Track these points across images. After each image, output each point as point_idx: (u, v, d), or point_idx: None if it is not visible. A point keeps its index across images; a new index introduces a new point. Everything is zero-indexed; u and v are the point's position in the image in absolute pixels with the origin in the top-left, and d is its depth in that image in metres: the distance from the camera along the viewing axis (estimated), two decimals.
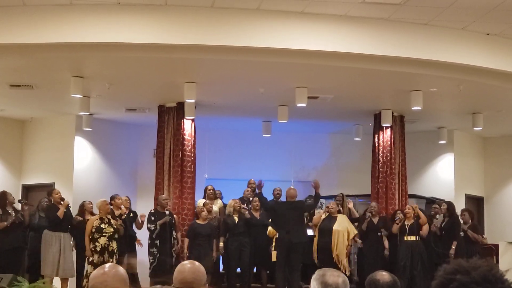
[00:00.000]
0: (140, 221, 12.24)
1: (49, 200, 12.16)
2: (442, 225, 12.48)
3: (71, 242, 11.83)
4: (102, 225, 11.07)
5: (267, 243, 12.35)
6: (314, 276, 3.44)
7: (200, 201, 12.75)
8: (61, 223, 11.64)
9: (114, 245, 11.07)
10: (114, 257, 11.00)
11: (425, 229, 12.07)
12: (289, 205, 11.58)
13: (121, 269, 3.25)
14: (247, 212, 12.23)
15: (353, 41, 9.86)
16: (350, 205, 12.94)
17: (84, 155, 14.30)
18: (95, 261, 10.74)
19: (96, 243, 10.96)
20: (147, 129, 14.13)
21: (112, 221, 11.19)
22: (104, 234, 11.00)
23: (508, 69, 10.70)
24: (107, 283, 3.12)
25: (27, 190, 14.88)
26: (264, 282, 12.57)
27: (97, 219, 11.15)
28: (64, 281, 11.71)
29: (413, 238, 11.95)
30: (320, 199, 14.58)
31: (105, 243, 10.98)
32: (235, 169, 15.22)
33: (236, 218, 12.19)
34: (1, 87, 11.63)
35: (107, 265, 3.29)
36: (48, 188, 13.08)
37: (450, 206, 12.71)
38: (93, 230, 11.03)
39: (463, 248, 12.21)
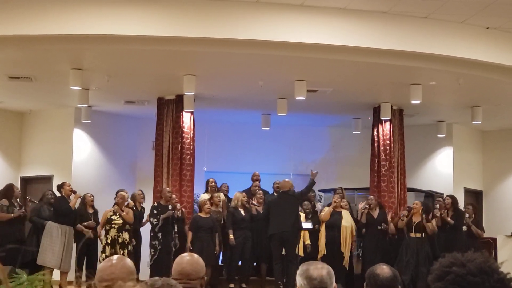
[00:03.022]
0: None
1: (53, 193, 12.14)
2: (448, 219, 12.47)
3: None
4: (113, 217, 11.25)
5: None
6: (298, 272, 3.34)
7: (203, 195, 12.73)
8: (70, 215, 11.65)
9: (125, 236, 11.17)
10: (126, 248, 11.07)
11: (430, 225, 11.88)
12: (283, 197, 11.54)
13: (129, 261, 3.26)
14: (254, 208, 12.24)
15: (352, 34, 9.84)
16: (361, 206, 12.83)
17: (83, 148, 14.28)
18: (107, 253, 10.84)
19: (107, 236, 11.13)
20: (146, 122, 14.10)
21: (122, 211, 11.34)
22: (113, 226, 11.14)
23: (508, 63, 10.70)
24: (115, 275, 3.12)
25: (26, 182, 14.83)
26: (263, 275, 12.57)
27: (111, 211, 11.33)
28: (63, 274, 11.73)
29: (419, 235, 11.88)
30: (319, 193, 14.58)
31: (115, 235, 11.10)
32: (234, 162, 15.20)
33: (242, 211, 12.18)
34: (0, 79, 11.61)
35: (115, 257, 3.30)
36: (47, 180, 13.05)
37: (454, 200, 12.70)
38: (105, 221, 11.26)
39: (464, 242, 12.19)
